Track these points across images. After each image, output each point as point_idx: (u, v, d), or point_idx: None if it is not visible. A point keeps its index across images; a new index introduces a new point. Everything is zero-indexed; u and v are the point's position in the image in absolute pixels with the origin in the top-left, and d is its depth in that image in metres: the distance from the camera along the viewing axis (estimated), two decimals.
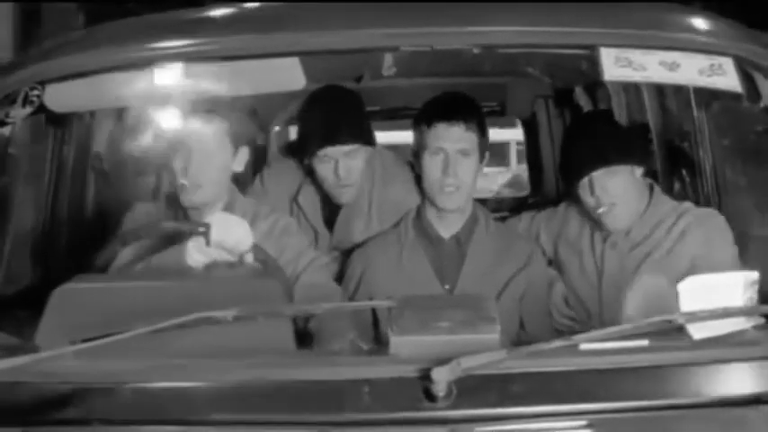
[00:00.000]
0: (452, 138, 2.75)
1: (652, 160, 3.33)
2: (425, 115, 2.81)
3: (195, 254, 2.36)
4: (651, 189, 2.89)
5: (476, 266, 2.81)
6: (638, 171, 2.82)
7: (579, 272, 2.92)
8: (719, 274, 1.93)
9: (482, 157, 2.81)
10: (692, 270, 2.48)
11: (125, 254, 2.46)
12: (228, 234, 2.34)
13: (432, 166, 2.77)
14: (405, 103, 4.21)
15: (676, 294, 1.81)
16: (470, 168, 2.77)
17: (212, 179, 2.55)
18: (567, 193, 3.05)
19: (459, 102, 2.84)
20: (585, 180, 2.77)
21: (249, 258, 2.37)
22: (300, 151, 3.07)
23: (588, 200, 2.80)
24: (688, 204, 2.90)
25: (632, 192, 2.80)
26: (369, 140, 3.03)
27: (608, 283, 2.82)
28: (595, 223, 2.87)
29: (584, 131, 2.90)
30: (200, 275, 2.35)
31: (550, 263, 3.02)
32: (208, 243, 2.34)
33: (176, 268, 2.35)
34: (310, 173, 3.09)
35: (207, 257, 2.37)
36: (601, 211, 2.78)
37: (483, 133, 2.81)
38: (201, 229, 2.35)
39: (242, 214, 2.56)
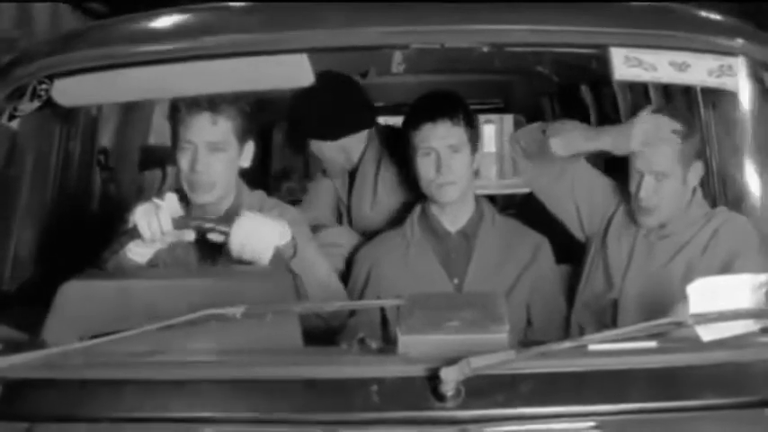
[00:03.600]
0: (440, 135, 2.75)
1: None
2: (411, 119, 2.82)
3: (135, 248, 2.36)
4: (693, 191, 2.84)
5: (484, 260, 2.81)
6: (693, 179, 2.78)
7: (617, 253, 2.84)
8: (728, 276, 1.93)
9: (474, 148, 2.81)
10: (724, 269, 2.51)
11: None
12: (249, 243, 2.34)
13: (425, 166, 2.77)
14: (410, 99, 4.20)
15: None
16: (463, 163, 2.77)
17: (222, 177, 2.54)
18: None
19: (441, 99, 2.83)
20: (637, 177, 2.71)
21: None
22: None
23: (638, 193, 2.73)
24: (722, 207, 2.87)
25: (680, 196, 2.75)
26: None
27: (633, 270, 2.77)
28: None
29: None
30: (209, 272, 2.35)
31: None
32: (227, 247, 2.34)
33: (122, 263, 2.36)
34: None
35: (149, 254, 2.38)
36: (644, 205, 2.72)
37: (471, 125, 2.80)
38: (221, 236, 2.35)
39: (249, 209, 2.56)
